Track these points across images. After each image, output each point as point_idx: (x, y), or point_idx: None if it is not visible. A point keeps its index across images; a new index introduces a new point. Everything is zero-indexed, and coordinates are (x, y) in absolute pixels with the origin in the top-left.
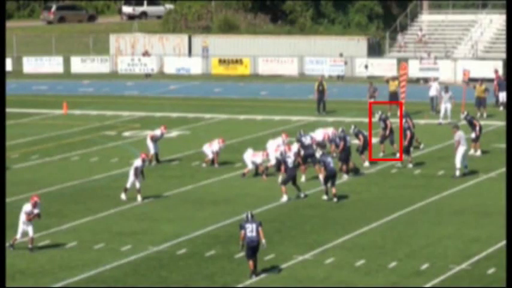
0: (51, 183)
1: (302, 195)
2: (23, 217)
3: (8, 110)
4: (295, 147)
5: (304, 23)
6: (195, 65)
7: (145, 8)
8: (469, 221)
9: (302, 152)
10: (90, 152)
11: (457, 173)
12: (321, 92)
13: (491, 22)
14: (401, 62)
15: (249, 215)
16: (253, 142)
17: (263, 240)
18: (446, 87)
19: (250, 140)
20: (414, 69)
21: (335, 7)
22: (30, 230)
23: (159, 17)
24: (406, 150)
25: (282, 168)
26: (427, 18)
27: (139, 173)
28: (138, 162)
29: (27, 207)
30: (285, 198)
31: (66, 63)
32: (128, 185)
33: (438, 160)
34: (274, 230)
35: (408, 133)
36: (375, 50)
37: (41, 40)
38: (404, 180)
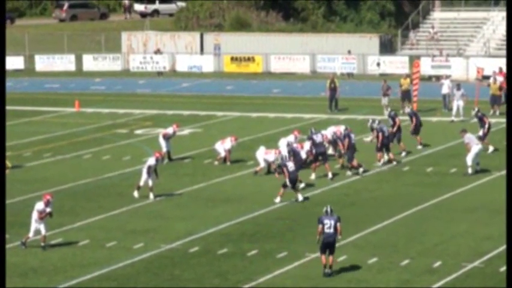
0: (63, 181)
1: (300, 198)
2: (35, 215)
3: (20, 108)
4: (307, 145)
5: (316, 21)
6: (207, 63)
7: (157, 6)
8: (482, 219)
9: (314, 150)
10: (102, 150)
11: (469, 170)
12: (333, 90)
13: (504, 19)
14: (414, 59)
15: (329, 209)
16: (266, 140)
17: (339, 237)
18: (458, 85)
19: (263, 138)
20: (426, 67)
21: (347, 5)
22: (42, 228)
23: (171, 15)
24: (379, 149)
25: (285, 172)
26: (439, 15)
27: (153, 171)
28: (151, 161)
29: (39, 205)
30: (278, 199)
31: (78, 61)
32: (141, 183)
33: (450, 158)
34: (286, 228)
35: (380, 135)
36: (387, 47)
37: (53, 38)
38: (417, 178)
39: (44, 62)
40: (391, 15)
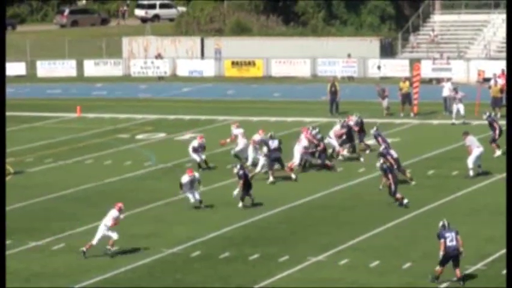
0: (65, 187)
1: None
2: (108, 222)
3: (22, 113)
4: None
5: (317, 25)
6: (207, 67)
7: (158, 11)
8: (484, 221)
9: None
10: (104, 155)
11: (471, 173)
12: (334, 93)
13: (504, 22)
14: (414, 62)
15: (446, 223)
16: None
17: (461, 249)
18: (455, 88)
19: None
20: (427, 70)
21: (347, 8)
22: (114, 235)
23: (171, 19)
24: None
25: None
26: (439, 18)
27: (193, 186)
28: (184, 178)
29: (113, 212)
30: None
31: (80, 66)
32: (192, 200)
33: (452, 160)
34: (287, 232)
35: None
36: (388, 50)
37: (54, 44)
38: (418, 181)
39: (45, 68)
40: (391, 18)
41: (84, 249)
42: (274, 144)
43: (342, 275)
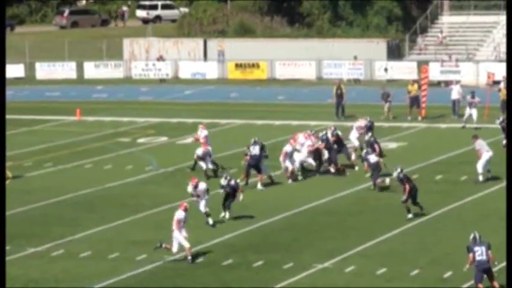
0: (64, 192)
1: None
2: (174, 226)
3: (20, 116)
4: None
5: (322, 26)
6: (210, 70)
7: (159, 12)
8: (493, 227)
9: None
10: (104, 159)
11: (480, 178)
12: (340, 96)
13: None
14: (422, 65)
15: (477, 236)
16: (271, 148)
17: (495, 263)
18: (472, 92)
19: (268, 146)
20: (435, 72)
21: (353, 9)
22: (183, 240)
23: (173, 21)
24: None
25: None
26: (447, 19)
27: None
28: (191, 188)
29: (180, 214)
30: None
31: (80, 68)
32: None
33: (461, 165)
34: (292, 238)
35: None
36: (395, 52)
37: (54, 45)
38: (426, 186)
39: (44, 70)
40: (398, 19)
41: (188, 258)
42: (255, 150)
43: (348, 282)
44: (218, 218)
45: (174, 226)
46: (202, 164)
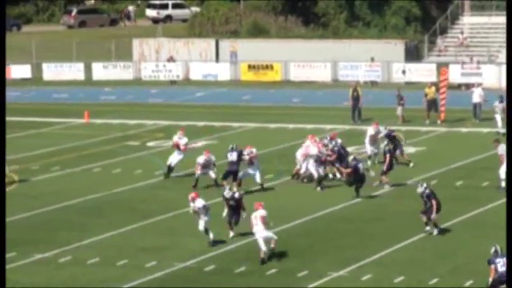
0: (72, 196)
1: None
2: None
3: (27, 119)
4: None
5: (338, 26)
6: (222, 71)
7: (170, 11)
8: None
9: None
10: (113, 163)
11: (502, 184)
12: (356, 99)
13: None
14: (441, 67)
15: (498, 249)
16: (284, 152)
17: None
18: (501, 97)
19: (281, 150)
20: (455, 75)
21: (370, 9)
22: (267, 233)
23: (184, 20)
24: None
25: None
26: (468, 20)
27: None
28: (199, 202)
29: (260, 212)
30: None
31: (88, 69)
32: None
33: (482, 170)
34: (307, 245)
35: (387, 156)
36: (413, 54)
37: (61, 45)
38: (446, 192)
39: (51, 71)
40: (417, 20)
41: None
42: (232, 157)
43: None
44: (226, 236)
45: (255, 223)
46: (211, 173)
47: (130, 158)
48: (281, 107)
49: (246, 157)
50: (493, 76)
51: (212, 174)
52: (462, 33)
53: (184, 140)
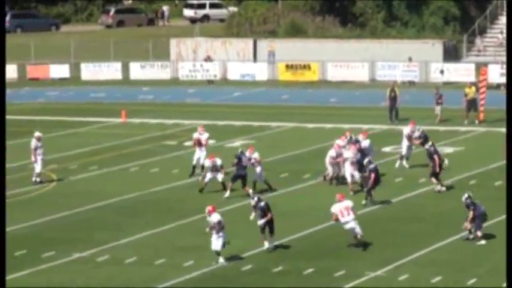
0: (109, 196)
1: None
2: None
3: (65, 118)
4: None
5: (376, 26)
6: (260, 71)
7: (207, 11)
8: None
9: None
10: (150, 162)
11: None
12: (393, 99)
13: None
14: (481, 67)
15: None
16: (322, 152)
17: None
18: None
19: (319, 150)
20: (494, 75)
21: (408, 9)
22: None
23: (222, 20)
24: (435, 175)
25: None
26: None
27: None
28: (214, 217)
29: (347, 203)
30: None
31: (125, 69)
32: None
33: None
34: (343, 245)
35: (436, 157)
36: (451, 54)
37: (99, 45)
38: (484, 192)
39: (89, 70)
40: (455, 19)
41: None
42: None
43: None
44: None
45: (347, 213)
46: (219, 176)
47: (168, 157)
48: (318, 107)
49: (251, 161)
50: None
51: (219, 177)
52: (502, 33)
53: (206, 135)
